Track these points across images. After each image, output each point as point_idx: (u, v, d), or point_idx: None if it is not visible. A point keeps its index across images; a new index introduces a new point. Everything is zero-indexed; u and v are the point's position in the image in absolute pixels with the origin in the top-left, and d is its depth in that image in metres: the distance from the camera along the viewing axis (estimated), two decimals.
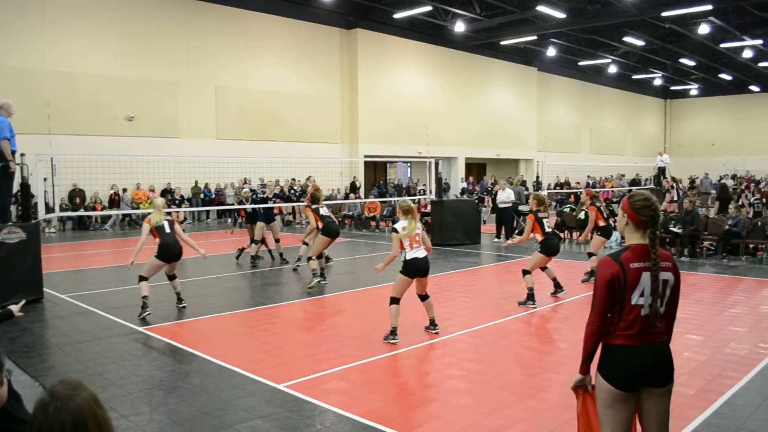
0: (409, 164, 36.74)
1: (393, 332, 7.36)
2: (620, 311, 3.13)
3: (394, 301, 7.47)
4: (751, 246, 14.48)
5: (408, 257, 7.42)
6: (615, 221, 16.78)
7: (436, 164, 20.09)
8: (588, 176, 38.06)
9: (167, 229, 9.04)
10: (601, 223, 11.25)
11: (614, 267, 3.12)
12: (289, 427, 4.90)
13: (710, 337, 7.53)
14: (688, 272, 12.32)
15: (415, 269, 7.42)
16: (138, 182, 23.17)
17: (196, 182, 24.57)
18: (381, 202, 23.14)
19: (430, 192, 19.37)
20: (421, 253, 7.46)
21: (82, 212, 20.99)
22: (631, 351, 3.12)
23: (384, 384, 6.00)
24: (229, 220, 23.79)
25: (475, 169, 39.51)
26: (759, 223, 14.62)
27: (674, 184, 25.50)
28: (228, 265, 13.72)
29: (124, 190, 22.91)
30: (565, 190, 30.96)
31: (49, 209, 14.22)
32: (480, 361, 6.66)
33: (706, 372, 6.19)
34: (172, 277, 9.39)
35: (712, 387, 5.75)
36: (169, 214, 10.09)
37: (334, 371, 6.29)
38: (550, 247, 9.49)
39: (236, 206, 17.79)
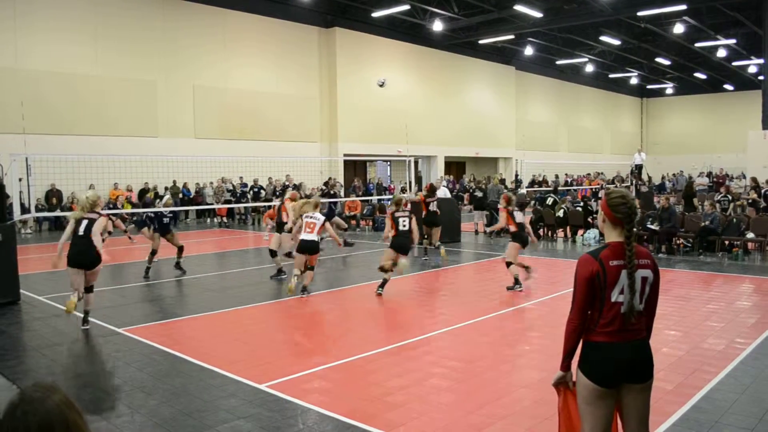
0: (389, 163, 36.74)
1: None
2: (600, 308, 3.15)
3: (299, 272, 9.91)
4: (726, 242, 14.68)
5: (300, 238, 10.04)
6: (593, 219, 17.00)
7: (416, 163, 20.12)
8: (566, 174, 38.35)
9: (81, 230, 7.84)
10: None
11: (594, 264, 3.14)
12: (271, 427, 4.88)
13: (688, 332, 7.63)
14: (665, 269, 12.45)
15: (301, 247, 9.89)
16: (115, 182, 22.92)
17: (175, 182, 24.37)
18: (361, 200, 23.12)
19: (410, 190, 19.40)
20: (309, 236, 9.92)
21: (58, 212, 20.72)
22: (610, 348, 3.14)
23: (365, 383, 6.00)
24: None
25: (455, 167, 39.61)
26: (734, 220, 14.83)
27: (634, 181, 26.03)
28: (207, 265, 13.64)
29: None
30: (543, 189, 31.19)
31: (24, 210, 14.02)
32: (461, 359, 6.68)
33: (685, 367, 6.26)
34: (87, 290, 8.04)
35: (690, 382, 5.82)
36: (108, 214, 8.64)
37: (315, 371, 6.28)
38: (521, 238, 10.34)
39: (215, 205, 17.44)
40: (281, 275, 11.64)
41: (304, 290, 9.96)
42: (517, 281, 10.18)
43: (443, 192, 18.77)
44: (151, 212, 12.50)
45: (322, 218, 10.14)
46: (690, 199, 17.25)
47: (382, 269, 10.08)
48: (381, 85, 18.18)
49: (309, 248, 9.85)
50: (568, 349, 3.25)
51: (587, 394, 3.16)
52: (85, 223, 7.85)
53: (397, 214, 10.36)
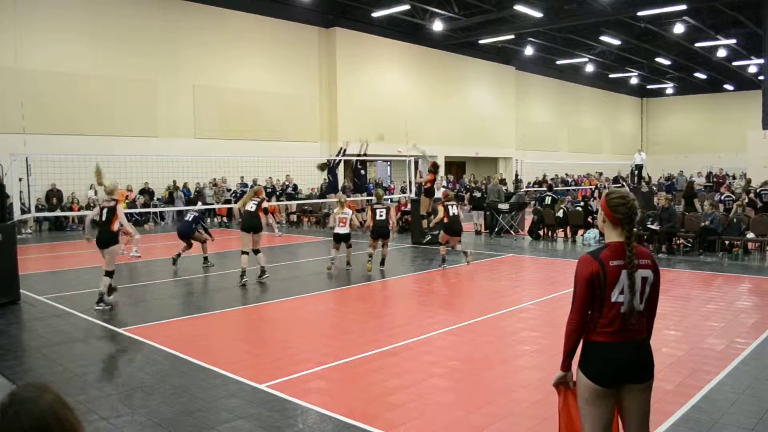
0: (389, 163, 36.73)
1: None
2: (600, 308, 3.14)
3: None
4: (726, 242, 14.67)
5: (335, 231, 12.44)
6: (593, 219, 16.99)
7: (416, 163, 20.14)
8: (566, 174, 38.36)
9: (103, 216, 9.26)
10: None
11: (594, 265, 3.13)
12: (271, 427, 4.88)
13: (688, 332, 7.63)
14: (665, 269, 12.45)
15: (335, 238, 12.43)
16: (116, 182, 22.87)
17: (175, 182, 24.38)
18: (360, 200, 23.06)
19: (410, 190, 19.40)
20: (342, 230, 12.38)
21: (58, 212, 20.72)
22: (611, 348, 3.13)
23: (366, 383, 5.99)
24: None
25: (455, 167, 39.61)
26: (735, 220, 14.82)
27: (622, 183, 26.09)
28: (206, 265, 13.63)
29: (96, 192, 22.71)
30: (543, 189, 31.17)
31: (24, 210, 14.02)
32: (461, 359, 6.68)
33: (685, 367, 6.26)
34: (106, 273, 9.25)
35: (690, 382, 5.82)
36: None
37: (315, 371, 6.28)
38: (450, 229, 12.45)
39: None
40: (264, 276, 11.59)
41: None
42: (443, 260, 12.86)
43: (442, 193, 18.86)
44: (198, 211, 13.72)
45: (350, 213, 12.57)
46: (690, 199, 17.26)
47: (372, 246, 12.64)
48: (422, 153, 19.32)
49: (343, 238, 12.43)
50: (568, 349, 3.25)
51: (588, 394, 3.16)
52: (105, 211, 9.26)
53: (375, 206, 12.52)
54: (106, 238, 9.17)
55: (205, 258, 13.20)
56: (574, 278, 3.20)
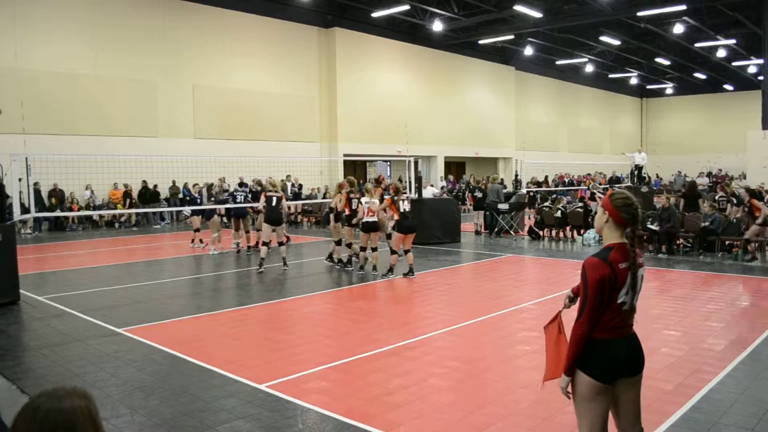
0: (388, 163, 36.74)
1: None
2: (606, 310, 3.20)
3: (362, 249, 12.41)
4: (726, 243, 14.66)
5: (364, 220, 12.00)
6: (592, 219, 16.96)
7: (416, 163, 20.12)
8: (565, 174, 38.36)
9: (273, 203, 12.38)
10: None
11: (605, 268, 3.16)
12: (270, 427, 4.88)
13: (687, 332, 7.62)
14: (665, 269, 12.47)
15: (365, 227, 12.01)
16: (115, 182, 22.93)
17: (174, 182, 24.38)
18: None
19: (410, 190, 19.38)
20: (371, 219, 11.97)
21: (58, 212, 20.70)
22: (610, 344, 3.21)
23: (365, 383, 5.99)
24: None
25: (455, 167, 39.61)
26: (734, 221, 14.81)
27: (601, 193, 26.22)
28: (207, 264, 13.63)
29: (92, 192, 22.77)
30: (543, 189, 31.15)
31: (24, 210, 14.01)
32: (461, 359, 6.68)
33: (684, 367, 6.26)
34: (280, 244, 12.76)
35: (689, 382, 5.82)
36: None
37: (314, 371, 6.28)
38: (404, 226, 11.53)
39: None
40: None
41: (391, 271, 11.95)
42: (391, 269, 11.89)
43: (431, 191, 19.01)
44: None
45: (376, 202, 12.15)
46: (695, 200, 17.19)
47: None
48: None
49: (372, 227, 12.13)
50: (577, 354, 3.23)
51: (587, 391, 3.21)
52: (274, 199, 12.39)
53: (396, 199, 11.70)
54: (276, 217, 12.37)
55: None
56: (582, 282, 3.21)
